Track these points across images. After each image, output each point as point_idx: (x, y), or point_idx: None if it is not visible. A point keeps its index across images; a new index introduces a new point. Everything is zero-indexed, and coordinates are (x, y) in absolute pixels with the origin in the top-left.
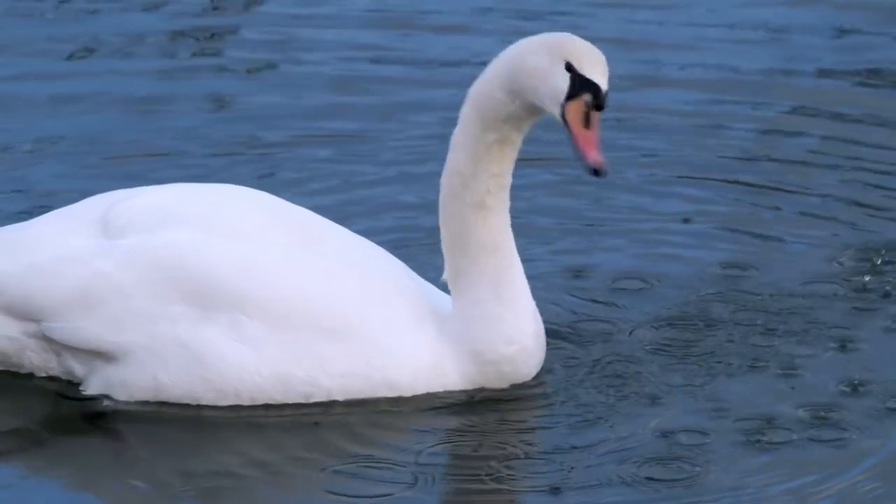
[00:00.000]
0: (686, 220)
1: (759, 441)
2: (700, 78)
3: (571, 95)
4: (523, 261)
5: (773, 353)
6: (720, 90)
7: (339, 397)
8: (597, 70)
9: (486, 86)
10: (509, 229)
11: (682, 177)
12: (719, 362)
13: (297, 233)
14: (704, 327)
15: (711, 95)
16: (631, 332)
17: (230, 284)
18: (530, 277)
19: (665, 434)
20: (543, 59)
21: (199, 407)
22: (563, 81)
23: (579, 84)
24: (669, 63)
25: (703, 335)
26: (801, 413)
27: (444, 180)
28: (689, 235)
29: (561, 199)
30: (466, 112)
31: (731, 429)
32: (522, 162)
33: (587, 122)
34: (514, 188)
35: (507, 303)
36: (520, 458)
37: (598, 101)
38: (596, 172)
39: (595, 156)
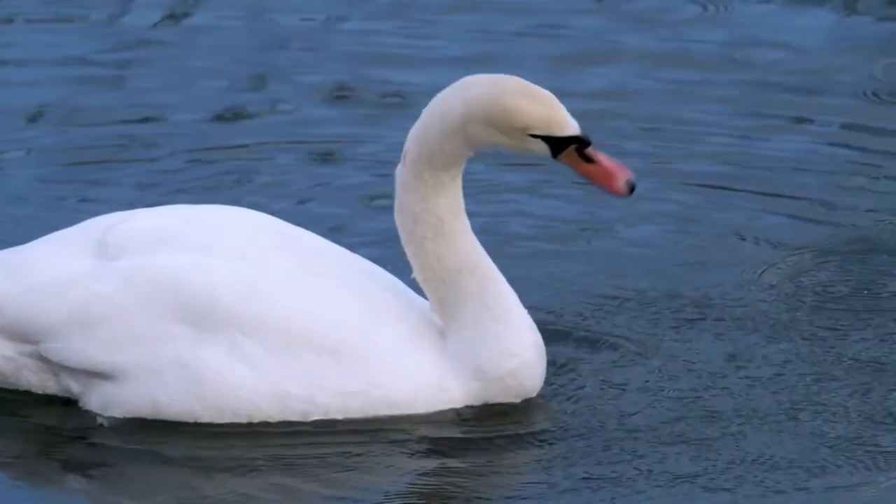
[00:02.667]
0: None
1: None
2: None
3: (557, 151)
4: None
5: (778, 368)
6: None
7: (338, 416)
8: (558, 122)
9: (436, 138)
10: (478, 246)
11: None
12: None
13: (296, 253)
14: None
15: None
16: (627, 341)
17: (228, 304)
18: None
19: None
20: (505, 138)
21: (197, 424)
22: (541, 147)
23: (556, 142)
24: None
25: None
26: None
27: (397, 219)
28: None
29: (541, 202)
30: (411, 156)
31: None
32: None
33: (588, 159)
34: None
35: (502, 317)
36: (521, 477)
37: (582, 144)
38: (631, 190)
39: (618, 182)
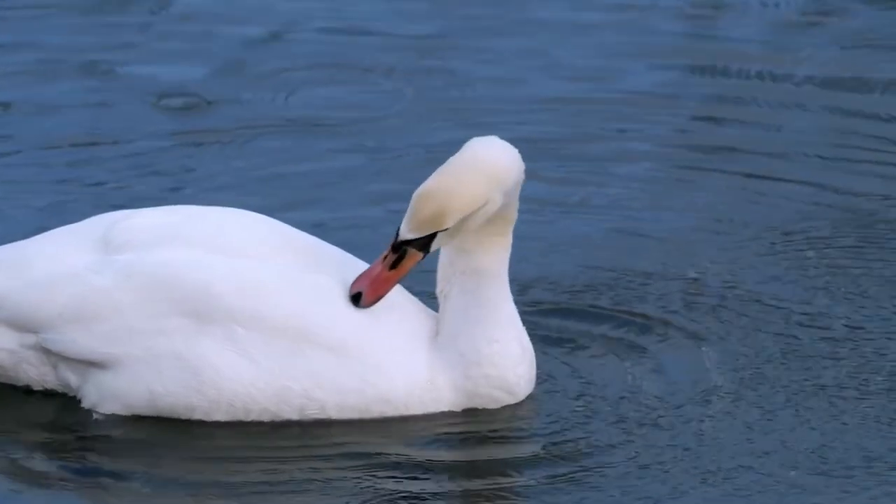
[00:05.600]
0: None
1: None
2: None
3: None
4: None
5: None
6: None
7: (334, 411)
8: (407, 213)
9: None
10: (506, 264)
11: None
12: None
13: (296, 252)
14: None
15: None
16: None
17: (226, 297)
18: None
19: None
20: None
21: (192, 422)
22: None
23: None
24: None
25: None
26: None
27: None
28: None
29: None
30: None
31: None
32: None
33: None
34: None
35: (490, 313)
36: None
37: (395, 240)
38: (352, 298)
39: (356, 283)
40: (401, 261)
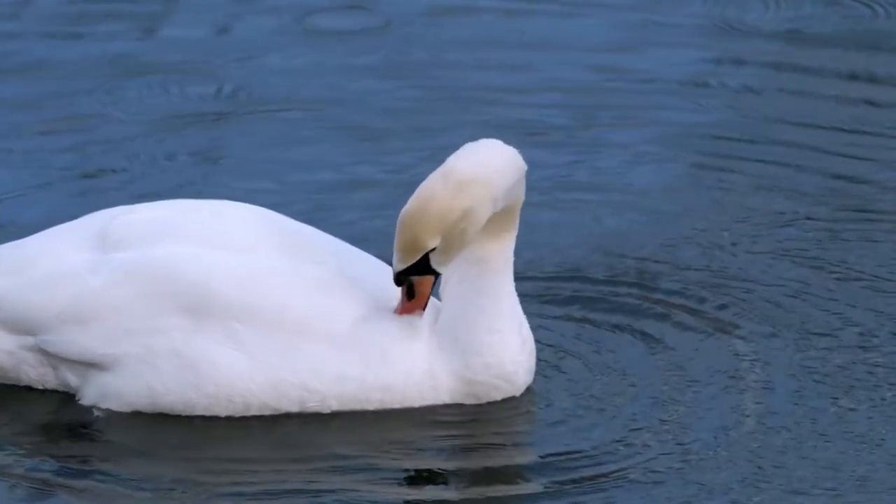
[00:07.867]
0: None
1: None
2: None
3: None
4: None
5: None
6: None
7: (334, 402)
8: (395, 250)
9: None
10: (510, 257)
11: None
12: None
13: (294, 245)
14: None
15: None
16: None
17: (224, 293)
18: None
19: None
20: None
21: (192, 419)
22: None
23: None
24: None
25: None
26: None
27: None
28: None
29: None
30: None
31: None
32: None
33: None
34: None
35: (492, 304)
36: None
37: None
38: None
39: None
40: (412, 289)
